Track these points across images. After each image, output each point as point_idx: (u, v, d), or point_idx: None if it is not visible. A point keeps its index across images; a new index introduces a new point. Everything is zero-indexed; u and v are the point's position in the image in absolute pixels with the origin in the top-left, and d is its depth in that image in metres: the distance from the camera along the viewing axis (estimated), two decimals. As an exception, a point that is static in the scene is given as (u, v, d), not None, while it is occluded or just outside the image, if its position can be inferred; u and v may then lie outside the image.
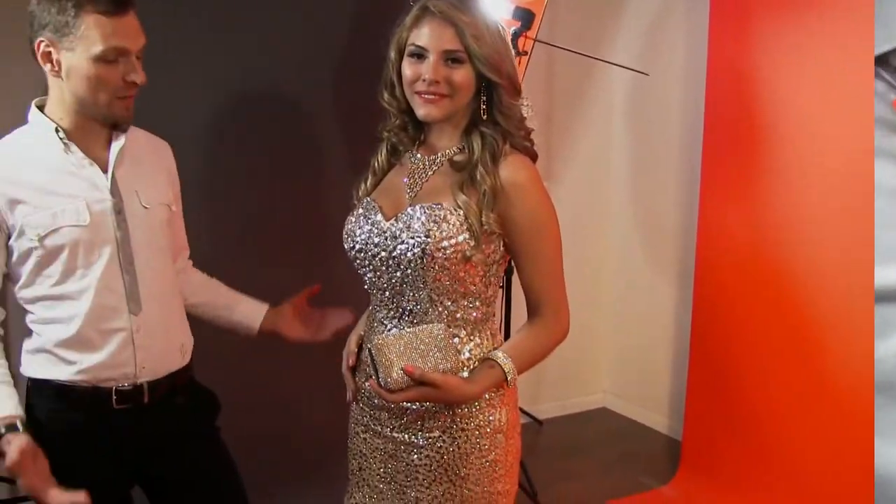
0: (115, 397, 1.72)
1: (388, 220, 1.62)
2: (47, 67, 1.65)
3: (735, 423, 3.39)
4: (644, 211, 4.29)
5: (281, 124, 3.13)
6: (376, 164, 1.76)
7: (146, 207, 1.77)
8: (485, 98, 1.62)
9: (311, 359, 3.22)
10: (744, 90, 3.27)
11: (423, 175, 1.66)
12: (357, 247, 1.65)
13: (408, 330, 1.56)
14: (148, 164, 1.84)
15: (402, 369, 1.51)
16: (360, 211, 1.69)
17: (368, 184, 1.75)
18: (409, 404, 1.61)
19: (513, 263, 1.66)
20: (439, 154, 1.65)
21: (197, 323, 2.05)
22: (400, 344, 1.53)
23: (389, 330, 1.62)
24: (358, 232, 1.65)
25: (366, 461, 1.72)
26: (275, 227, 3.17)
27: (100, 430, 1.74)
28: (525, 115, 1.68)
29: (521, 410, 4.09)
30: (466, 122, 1.64)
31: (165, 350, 1.81)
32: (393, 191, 1.69)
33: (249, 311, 2.05)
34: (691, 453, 3.60)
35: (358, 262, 1.67)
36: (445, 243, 1.55)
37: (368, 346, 1.58)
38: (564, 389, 4.49)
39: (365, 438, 1.72)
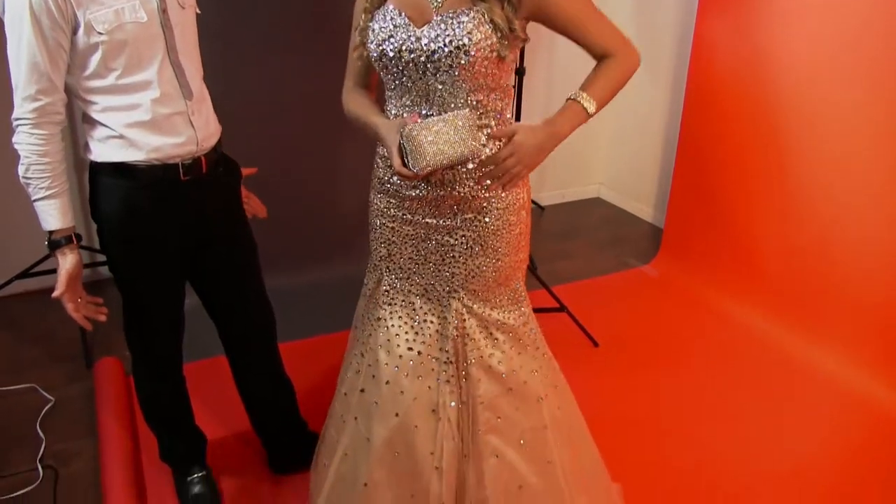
0: (181, 170, 1.82)
1: (419, 27, 1.55)
2: None
3: (710, 216, 3.56)
4: (644, 24, 4.19)
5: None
6: None
7: (183, 7, 1.80)
8: None
9: (339, 158, 3.48)
10: None
11: None
12: (390, 53, 1.57)
13: (434, 118, 1.54)
14: None
15: (432, 155, 1.51)
16: (389, 22, 1.58)
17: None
18: (443, 193, 1.62)
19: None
20: None
21: (241, 122, 2.13)
22: (429, 131, 1.52)
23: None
24: (392, 40, 1.57)
25: (395, 247, 1.74)
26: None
27: (170, 201, 1.84)
28: None
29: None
30: None
31: (210, 128, 1.89)
32: (415, 4, 1.58)
33: None
34: (670, 240, 3.83)
35: (388, 68, 1.60)
36: (483, 44, 1.51)
37: (401, 133, 1.54)
38: (564, 180, 4.66)
39: (393, 227, 1.73)
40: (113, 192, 1.82)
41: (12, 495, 2.27)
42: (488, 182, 1.64)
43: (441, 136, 1.52)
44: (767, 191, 3.27)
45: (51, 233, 1.75)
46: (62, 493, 2.29)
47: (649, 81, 4.22)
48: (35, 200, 1.73)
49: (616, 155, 4.61)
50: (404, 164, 1.54)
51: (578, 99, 1.60)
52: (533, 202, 4.45)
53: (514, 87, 3.53)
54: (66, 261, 1.76)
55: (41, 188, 1.71)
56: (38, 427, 2.57)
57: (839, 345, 3.00)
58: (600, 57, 1.62)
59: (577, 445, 1.90)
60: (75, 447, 2.49)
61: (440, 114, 1.58)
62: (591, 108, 1.60)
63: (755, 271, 3.37)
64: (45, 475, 2.36)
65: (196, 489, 2.22)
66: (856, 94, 2.86)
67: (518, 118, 3.73)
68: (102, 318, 1.85)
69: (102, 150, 1.78)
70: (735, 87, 3.34)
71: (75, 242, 1.77)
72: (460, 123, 1.54)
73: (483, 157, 1.61)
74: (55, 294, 1.77)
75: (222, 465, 2.37)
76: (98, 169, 1.82)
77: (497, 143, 1.63)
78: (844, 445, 2.59)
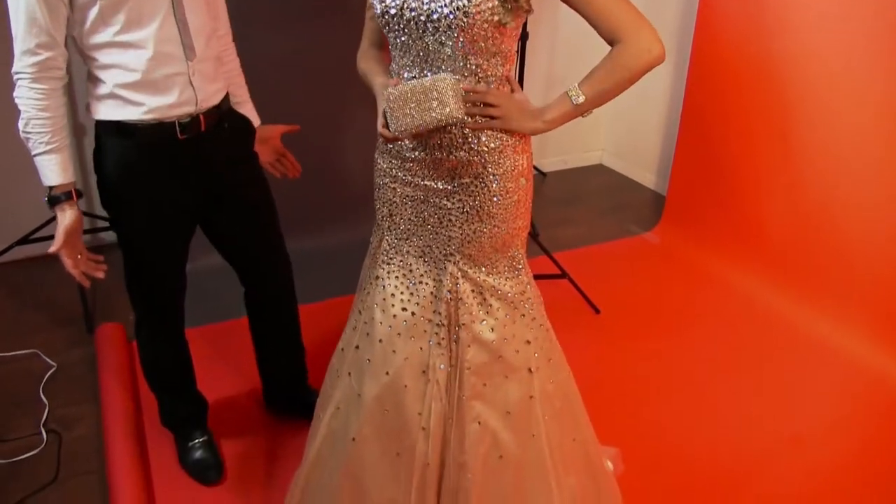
0: (178, 129, 1.81)
1: None
2: None
3: (713, 184, 3.54)
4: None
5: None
6: None
7: None
8: None
9: (344, 124, 3.48)
10: None
11: None
12: (392, 11, 1.55)
13: (415, 81, 1.53)
14: None
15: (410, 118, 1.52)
16: None
17: None
18: (441, 156, 1.62)
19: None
20: None
21: (251, 85, 2.12)
22: (409, 93, 1.52)
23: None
24: None
25: (396, 208, 1.73)
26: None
27: (169, 160, 1.84)
28: None
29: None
30: None
31: (214, 86, 1.88)
32: None
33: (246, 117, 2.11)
34: (673, 207, 3.82)
35: (390, 25, 1.58)
36: (484, 6, 1.48)
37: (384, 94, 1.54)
38: (567, 146, 4.64)
39: (394, 188, 1.72)
40: (112, 151, 1.82)
41: (16, 459, 2.30)
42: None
43: (419, 99, 1.52)
44: (771, 158, 3.25)
45: (50, 188, 1.75)
46: (66, 458, 2.32)
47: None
48: (35, 155, 1.72)
49: (619, 121, 4.58)
50: (387, 126, 1.55)
51: (568, 89, 1.58)
52: (535, 168, 4.47)
53: (517, 52, 3.51)
54: (65, 216, 1.76)
55: (41, 143, 1.70)
56: (40, 392, 2.59)
57: (843, 314, 3.00)
58: (609, 41, 1.53)
59: (569, 424, 1.87)
60: (78, 412, 2.51)
61: (433, 74, 1.57)
62: (578, 99, 1.57)
63: (758, 239, 3.36)
64: (49, 439, 2.38)
65: (198, 454, 2.25)
66: (863, 61, 2.83)
67: (521, 84, 3.71)
68: (101, 274, 1.85)
69: (101, 109, 1.78)
70: (740, 53, 3.30)
71: (75, 198, 1.78)
72: (441, 87, 1.51)
73: (464, 120, 1.58)
74: (52, 249, 1.78)
75: (224, 429, 2.40)
76: (99, 127, 1.83)
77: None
78: (848, 417, 2.61)
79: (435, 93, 1.52)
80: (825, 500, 2.25)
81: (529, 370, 1.76)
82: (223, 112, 1.94)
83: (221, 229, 2.08)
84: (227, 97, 1.97)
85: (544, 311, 1.84)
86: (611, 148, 4.76)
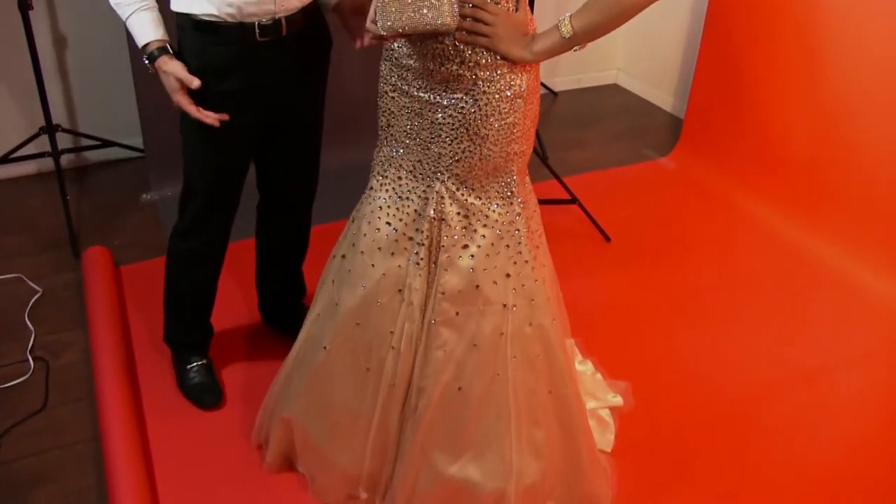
0: (257, 31, 1.83)
1: None
2: None
3: (734, 107, 3.46)
4: None
5: None
6: None
7: None
8: None
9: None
10: None
11: None
12: None
13: None
14: None
15: (396, 19, 1.49)
16: None
17: None
18: (433, 67, 1.60)
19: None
20: None
21: None
22: None
23: None
24: None
25: (393, 118, 1.73)
26: None
27: (247, 62, 1.86)
28: None
29: (539, 83, 4.33)
30: None
31: None
32: None
33: None
34: (691, 131, 3.74)
35: None
36: None
37: None
38: (580, 65, 4.54)
39: (393, 97, 1.71)
40: (190, 48, 1.85)
41: (3, 387, 2.30)
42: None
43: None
44: (796, 81, 3.16)
45: (145, 48, 1.79)
46: (54, 385, 2.32)
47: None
48: (126, 20, 1.80)
49: (636, 39, 4.47)
50: (376, 25, 1.52)
51: (560, 19, 1.52)
52: (546, 87, 4.42)
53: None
54: (170, 66, 1.79)
55: (128, 6, 1.78)
56: (26, 318, 2.58)
57: (864, 246, 2.96)
58: None
59: (546, 375, 1.80)
60: (66, 338, 2.50)
61: None
62: (567, 32, 1.52)
63: (779, 167, 3.30)
64: (36, 367, 2.38)
65: (196, 378, 2.26)
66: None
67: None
68: (216, 122, 1.83)
69: (179, 1, 1.82)
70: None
71: (171, 53, 1.81)
72: None
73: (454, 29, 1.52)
74: (174, 99, 1.81)
75: (224, 353, 2.40)
76: (180, 24, 1.86)
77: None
78: (865, 353, 2.60)
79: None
80: (833, 437, 2.25)
81: (505, 305, 1.73)
82: (309, 19, 1.93)
83: (269, 140, 2.09)
84: (314, 2, 1.95)
85: (534, 249, 1.79)
86: (627, 67, 4.66)
